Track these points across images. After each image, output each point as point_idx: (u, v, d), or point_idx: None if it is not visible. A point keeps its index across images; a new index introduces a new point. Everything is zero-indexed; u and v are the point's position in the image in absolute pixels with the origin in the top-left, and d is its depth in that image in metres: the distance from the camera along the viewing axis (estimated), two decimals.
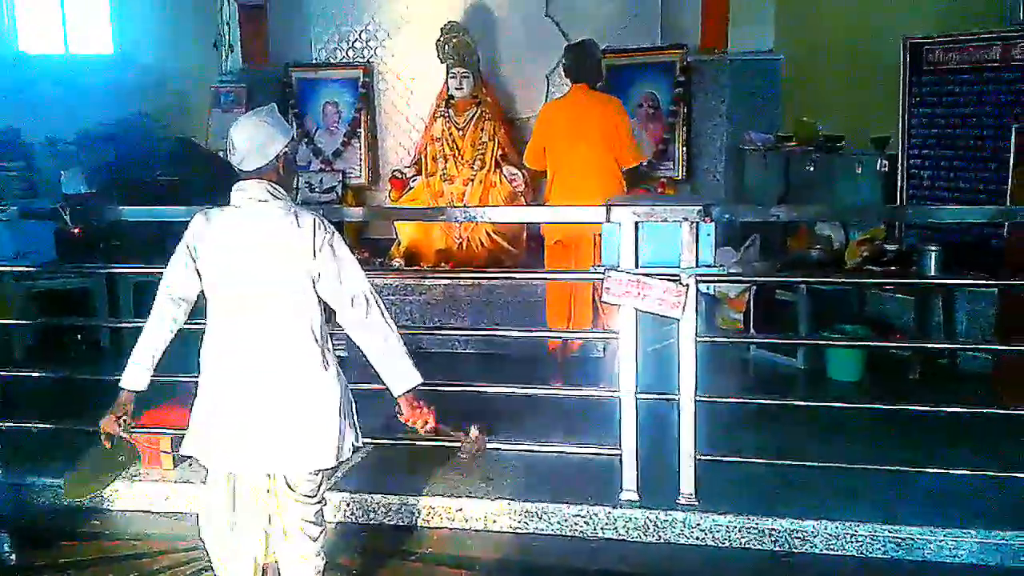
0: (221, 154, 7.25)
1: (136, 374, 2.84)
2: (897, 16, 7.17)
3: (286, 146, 2.74)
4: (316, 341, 2.75)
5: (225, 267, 2.71)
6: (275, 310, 2.71)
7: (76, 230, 4.29)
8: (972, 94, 5.40)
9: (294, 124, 7.56)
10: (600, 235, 4.73)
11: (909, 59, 5.72)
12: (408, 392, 2.82)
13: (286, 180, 2.79)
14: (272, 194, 2.71)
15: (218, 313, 2.76)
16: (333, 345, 2.83)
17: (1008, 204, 4.65)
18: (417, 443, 3.79)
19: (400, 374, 2.81)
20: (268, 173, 2.72)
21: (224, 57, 7.65)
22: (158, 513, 4.07)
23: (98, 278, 5.97)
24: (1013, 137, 4.56)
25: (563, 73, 5.44)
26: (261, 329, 2.71)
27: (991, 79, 5.27)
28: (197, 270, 2.75)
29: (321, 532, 2.94)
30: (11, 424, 4.33)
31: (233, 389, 2.74)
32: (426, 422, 2.85)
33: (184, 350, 3.01)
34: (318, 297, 2.75)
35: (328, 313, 2.82)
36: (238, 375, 2.73)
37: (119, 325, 5.66)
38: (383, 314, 2.78)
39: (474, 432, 3.07)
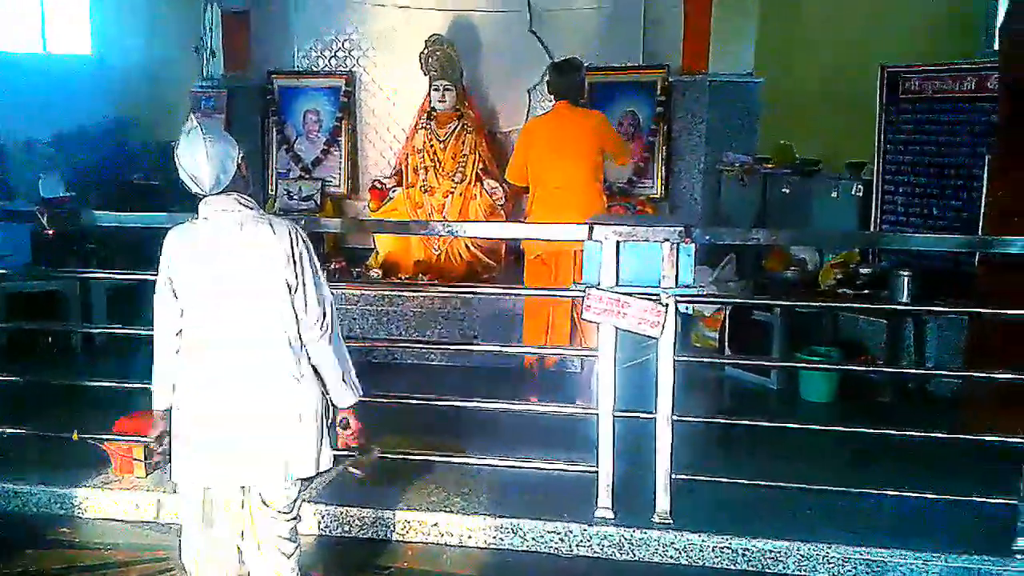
0: None
1: (161, 398, 2.87)
2: (875, 44, 7.30)
3: (240, 154, 2.71)
4: (292, 350, 2.73)
5: (199, 278, 2.69)
6: (250, 318, 2.70)
7: (51, 232, 4.25)
8: (946, 123, 5.50)
9: (274, 131, 7.56)
10: (580, 251, 4.82)
11: (886, 87, 5.81)
12: (353, 406, 2.90)
13: (249, 186, 2.78)
14: (242, 203, 2.70)
15: (192, 323, 2.74)
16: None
17: (980, 233, 4.72)
18: (390, 458, 3.79)
19: (350, 390, 2.87)
20: (234, 186, 2.70)
21: (205, 62, 7.62)
22: (128, 522, 4.02)
23: (72, 281, 5.90)
24: (986, 167, 4.64)
25: (546, 89, 5.49)
26: (236, 338, 2.70)
27: (965, 109, 5.37)
28: (174, 288, 2.74)
29: (296, 548, 2.93)
30: None
31: (206, 401, 2.72)
32: (352, 434, 2.94)
33: None
34: (293, 307, 2.73)
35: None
36: (212, 386, 2.71)
37: (92, 330, 5.60)
38: (338, 336, 2.83)
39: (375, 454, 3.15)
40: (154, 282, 2.81)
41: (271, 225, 2.69)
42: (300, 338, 2.76)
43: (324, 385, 2.83)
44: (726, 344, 5.80)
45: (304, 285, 2.71)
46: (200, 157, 2.63)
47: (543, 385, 5.09)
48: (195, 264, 2.69)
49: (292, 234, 2.70)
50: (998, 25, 5.39)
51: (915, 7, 7.67)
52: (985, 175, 4.65)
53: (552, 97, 5.36)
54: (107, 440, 4.09)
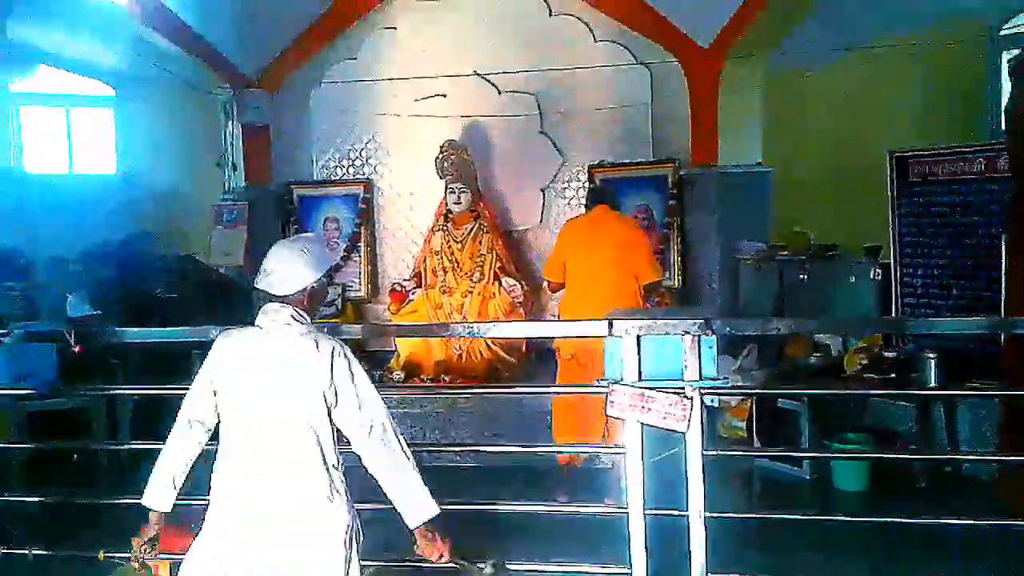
0: (222, 271, 7.46)
1: (155, 492, 2.83)
2: (881, 127, 7.43)
3: (317, 280, 2.79)
4: (326, 468, 2.72)
5: (241, 388, 2.72)
6: (287, 435, 2.69)
7: (77, 348, 4.31)
8: (959, 204, 5.54)
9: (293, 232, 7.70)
10: None
11: (895, 171, 5.89)
12: (424, 523, 2.78)
13: (311, 308, 2.83)
14: (296, 319, 2.74)
15: (230, 436, 2.75)
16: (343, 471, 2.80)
17: (1002, 312, 4.70)
18: (423, 566, 3.71)
19: (417, 505, 2.78)
20: (295, 300, 2.76)
21: (227, 176, 7.83)
22: None
23: (98, 397, 5.93)
24: (1003, 248, 4.65)
25: (584, 206, 5.62)
26: (271, 455, 2.69)
27: (976, 190, 5.42)
28: (214, 391, 2.76)
29: None
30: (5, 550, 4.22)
31: (238, 519, 2.70)
32: (441, 555, 2.81)
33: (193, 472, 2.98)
34: (332, 424, 2.74)
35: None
36: (244, 504, 2.70)
37: (117, 447, 5.59)
38: (401, 444, 2.77)
39: (488, 569, 3.01)
40: (175, 397, 2.83)
41: (316, 341, 2.72)
42: (337, 458, 2.75)
43: (392, 499, 2.77)
44: (754, 434, 5.71)
45: (347, 401, 2.71)
46: (283, 254, 2.76)
47: (573, 483, 5.00)
48: (240, 371, 2.72)
49: (335, 351, 2.72)
50: (1003, 104, 5.47)
51: (917, 88, 7.82)
52: (1003, 256, 4.65)
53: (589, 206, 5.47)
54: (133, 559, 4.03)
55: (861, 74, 7.40)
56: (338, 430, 2.78)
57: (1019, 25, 7.68)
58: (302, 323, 2.77)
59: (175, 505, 2.91)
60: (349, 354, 2.77)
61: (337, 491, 2.73)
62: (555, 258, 5.42)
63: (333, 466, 2.74)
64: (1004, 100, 5.45)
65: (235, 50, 7.44)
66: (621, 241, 5.19)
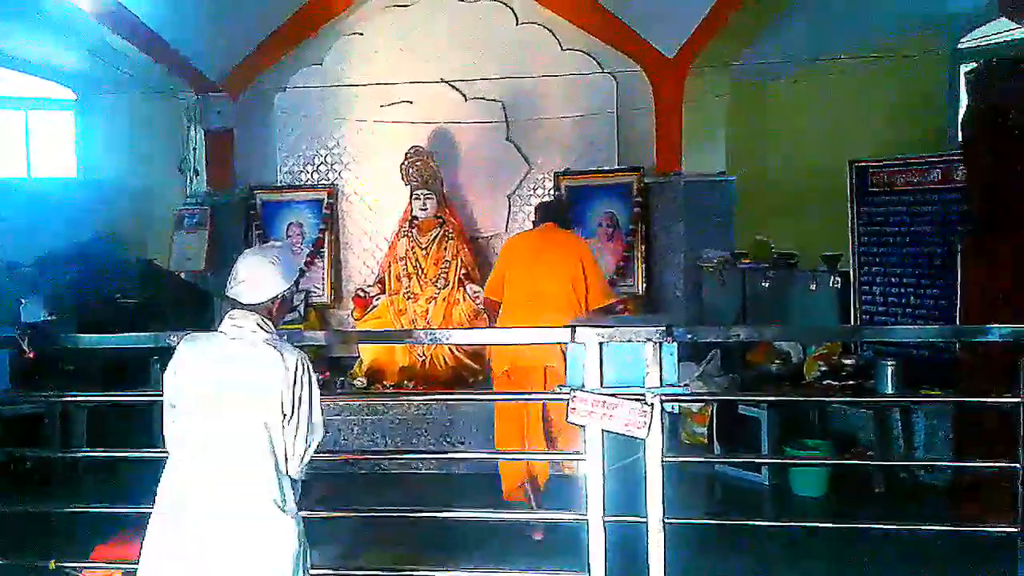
0: (183, 275, 7.37)
1: None
2: (843, 137, 7.52)
3: (286, 289, 2.82)
4: (278, 477, 2.70)
5: (200, 393, 2.69)
6: (242, 442, 2.67)
7: (31, 355, 4.22)
8: (917, 214, 5.62)
9: (257, 244, 7.58)
10: (550, 366, 4.77)
11: (855, 181, 5.96)
12: None
13: (277, 317, 2.84)
14: (261, 327, 2.74)
15: (183, 441, 2.72)
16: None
17: (958, 323, 4.77)
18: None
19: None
20: (261, 309, 2.77)
21: (189, 180, 7.74)
22: None
23: (51, 404, 5.81)
24: (959, 257, 4.73)
25: (532, 222, 5.44)
26: (224, 462, 2.66)
27: (934, 200, 5.50)
28: (172, 405, 2.74)
29: None
30: None
31: (184, 528, 2.66)
32: None
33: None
34: (284, 434, 2.72)
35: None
36: (191, 514, 2.66)
37: (75, 455, 5.50)
38: (301, 472, 2.80)
39: None
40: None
41: (281, 353, 2.70)
42: (287, 470, 2.74)
43: None
44: (715, 440, 5.75)
45: (298, 418, 2.71)
46: (253, 262, 2.78)
47: (537, 491, 4.96)
48: (198, 372, 2.70)
49: (300, 365, 2.71)
50: (960, 116, 5.58)
51: (879, 99, 7.93)
52: (959, 264, 4.73)
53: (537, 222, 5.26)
54: (85, 568, 3.96)
55: (824, 85, 7.49)
56: None
57: (978, 38, 7.83)
58: (267, 332, 2.76)
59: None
60: (312, 371, 2.78)
61: (287, 500, 2.71)
62: (497, 275, 5.16)
63: (284, 476, 2.72)
64: (962, 112, 5.55)
65: (199, 54, 7.36)
66: (568, 262, 4.93)
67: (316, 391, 2.77)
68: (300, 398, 2.70)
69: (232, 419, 2.67)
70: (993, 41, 7.46)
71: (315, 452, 2.83)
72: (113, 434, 5.28)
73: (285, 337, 2.92)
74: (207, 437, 2.68)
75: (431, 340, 4.88)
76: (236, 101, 7.61)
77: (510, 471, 4.94)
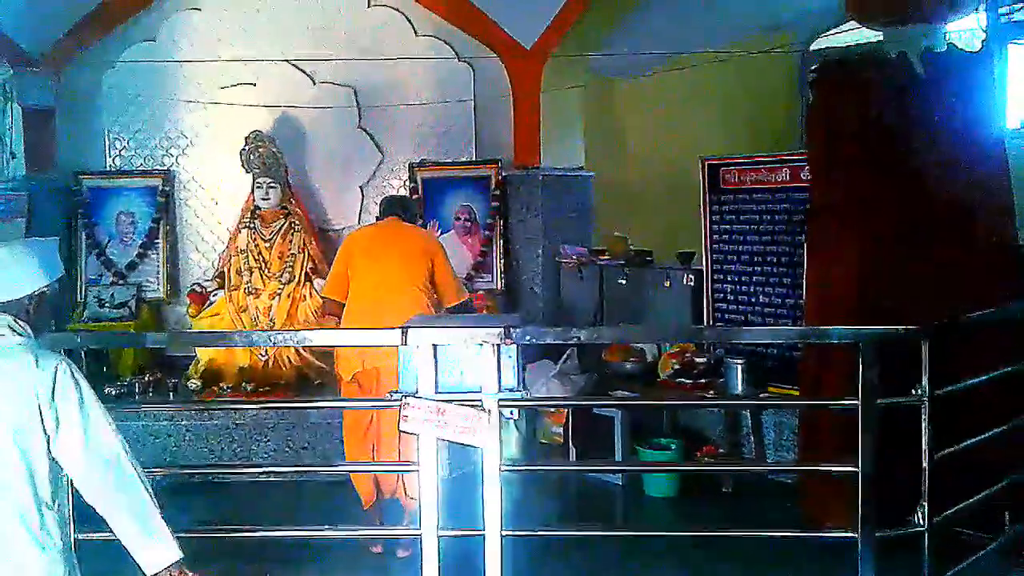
0: None
1: None
2: (699, 137, 7.54)
3: (46, 287, 2.45)
4: (39, 510, 2.30)
5: None
6: None
7: None
8: (767, 212, 5.62)
9: (83, 234, 7.00)
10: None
11: (708, 178, 5.94)
12: (167, 568, 2.38)
13: (36, 320, 2.45)
14: (13, 329, 2.36)
15: None
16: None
17: (805, 323, 4.78)
18: None
19: (158, 546, 2.38)
20: (16, 308, 2.39)
21: (4, 164, 7.02)
22: None
23: None
24: (805, 257, 4.74)
25: (376, 216, 5.01)
26: None
27: (782, 199, 5.51)
28: None
29: None
30: None
31: None
32: None
33: None
34: (50, 457, 2.32)
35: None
36: None
37: None
38: (140, 479, 2.38)
39: None
40: None
41: (36, 358, 2.33)
42: (54, 499, 2.34)
43: (126, 543, 2.37)
44: (570, 440, 5.63)
45: (70, 430, 2.31)
46: (1, 256, 2.40)
47: (384, 505, 4.63)
48: None
49: (59, 369, 2.33)
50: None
51: (734, 98, 8.03)
52: (804, 264, 4.74)
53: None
54: None
55: (680, 82, 7.48)
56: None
57: (827, 36, 8.04)
58: (20, 334, 2.37)
59: None
60: (77, 374, 2.37)
61: (50, 536, 2.31)
62: (336, 273, 4.72)
63: (46, 506, 2.32)
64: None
65: (15, 26, 6.65)
66: (414, 258, 4.58)
67: (91, 401, 2.36)
68: (66, 408, 2.30)
69: None
70: (843, 42, 7.65)
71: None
72: None
73: (49, 343, 2.51)
74: None
75: (245, 343, 4.47)
76: (59, 78, 6.96)
77: (361, 483, 4.57)
